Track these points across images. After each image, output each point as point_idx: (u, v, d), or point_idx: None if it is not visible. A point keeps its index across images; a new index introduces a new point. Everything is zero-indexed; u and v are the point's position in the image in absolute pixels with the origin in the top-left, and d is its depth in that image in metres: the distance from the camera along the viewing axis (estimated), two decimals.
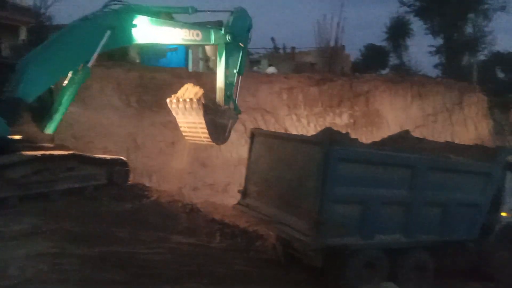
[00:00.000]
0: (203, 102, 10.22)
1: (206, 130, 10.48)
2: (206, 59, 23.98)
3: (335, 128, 9.86)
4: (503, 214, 9.50)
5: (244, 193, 9.25)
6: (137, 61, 20.38)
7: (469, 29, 31.27)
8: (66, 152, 10.92)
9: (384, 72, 29.63)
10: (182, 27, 10.76)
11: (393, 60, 33.44)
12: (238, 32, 10.94)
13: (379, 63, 31.77)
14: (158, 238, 9.11)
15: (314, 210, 7.18)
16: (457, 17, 29.74)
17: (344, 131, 9.17)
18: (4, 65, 10.60)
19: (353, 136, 8.52)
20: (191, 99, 10.36)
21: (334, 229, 7.26)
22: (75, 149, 11.87)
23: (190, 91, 10.68)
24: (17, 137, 10.12)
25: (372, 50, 33.39)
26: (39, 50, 10.23)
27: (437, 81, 24.33)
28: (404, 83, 22.24)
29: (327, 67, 23.93)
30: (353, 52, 33.33)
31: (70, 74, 10.42)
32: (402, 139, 10.90)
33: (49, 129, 10.52)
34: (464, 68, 30.37)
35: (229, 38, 10.76)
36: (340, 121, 20.16)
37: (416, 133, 13.53)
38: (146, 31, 10.55)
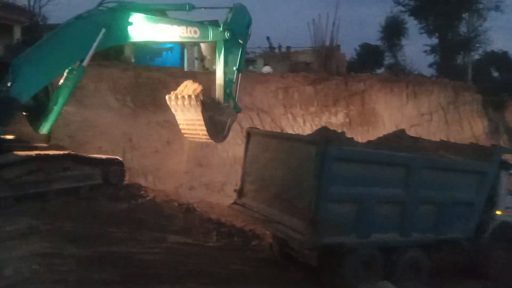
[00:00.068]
0: (201, 98, 10.09)
1: (204, 127, 10.32)
2: (202, 58, 23.96)
3: (331, 127, 9.91)
4: (498, 212, 9.56)
5: (240, 192, 9.25)
6: (132, 60, 20.32)
7: (463, 29, 31.46)
8: (61, 152, 10.89)
9: (379, 71, 29.70)
10: (179, 24, 10.59)
11: (388, 60, 33.55)
12: (237, 29, 10.78)
13: (374, 62, 31.83)
14: (154, 238, 9.10)
15: (310, 209, 7.20)
16: (452, 16, 29.88)
17: (339, 130, 9.22)
18: None
19: (348, 135, 8.56)
20: (189, 96, 10.24)
21: (330, 228, 7.28)
22: (71, 149, 11.84)
23: (189, 87, 10.52)
24: (9, 137, 10.06)
25: (367, 49, 33.46)
26: (33, 50, 10.09)
27: (432, 81, 24.42)
28: (399, 83, 22.33)
29: (322, 67, 23.95)
30: (349, 51, 33.38)
31: (66, 74, 10.35)
32: (397, 138, 10.90)
33: (44, 129, 10.43)
34: (459, 67, 30.52)
35: (228, 35, 10.60)
36: (335, 120, 20.22)
37: (412, 132, 13.61)
38: (142, 29, 10.39)
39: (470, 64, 30.27)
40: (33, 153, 10.00)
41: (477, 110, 23.55)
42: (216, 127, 10.54)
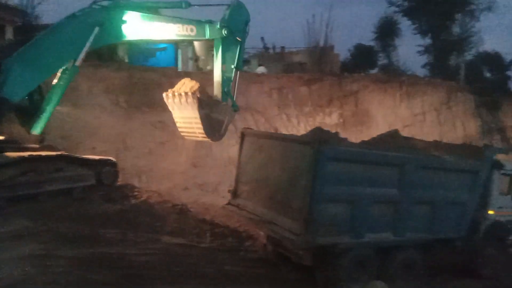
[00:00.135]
0: (198, 96, 9.93)
1: (201, 126, 10.16)
2: (196, 58, 23.92)
3: (325, 128, 9.91)
4: (490, 212, 9.63)
5: (235, 193, 9.25)
6: (126, 61, 20.25)
7: (456, 29, 31.60)
8: (54, 153, 10.83)
9: (373, 72, 29.76)
10: (175, 22, 10.45)
11: (382, 60, 33.61)
12: (235, 26, 10.58)
13: (368, 63, 31.86)
14: (148, 239, 9.07)
15: (304, 209, 7.21)
16: (445, 17, 30.02)
17: (333, 131, 9.22)
18: None
19: (342, 135, 8.58)
20: (186, 93, 10.06)
21: (324, 228, 7.30)
22: (64, 149, 11.78)
23: (186, 85, 10.38)
24: (0, 137, 9.98)
25: (361, 50, 33.48)
26: (26, 49, 9.98)
27: (425, 81, 24.53)
28: (392, 83, 22.42)
29: (316, 67, 23.99)
30: (342, 52, 33.37)
31: (59, 73, 10.27)
32: (391, 138, 10.96)
33: (37, 130, 10.39)
34: (452, 67, 30.65)
35: (226, 32, 10.40)
36: (329, 120, 20.27)
37: (405, 133, 13.65)
38: (137, 27, 10.28)
39: (463, 65, 30.41)
40: (26, 154, 9.94)
41: (470, 110, 23.70)
42: (213, 125, 10.36)
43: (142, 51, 21.21)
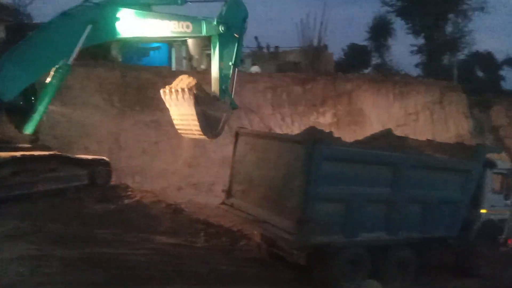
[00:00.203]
0: (194, 92, 9.72)
1: (197, 123, 9.90)
2: (190, 57, 23.84)
3: (319, 127, 9.94)
4: (483, 211, 9.70)
5: (229, 192, 9.24)
6: (119, 60, 20.13)
7: (449, 29, 31.80)
8: (47, 153, 10.76)
9: (366, 71, 29.89)
10: (170, 19, 10.23)
11: (375, 60, 33.76)
12: (232, 22, 10.39)
13: (361, 62, 32.01)
14: (141, 239, 9.04)
15: (298, 208, 7.23)
16: (438, 17, 30.19)
17: (327, 130, 9.25)
18: None
19: (336, 135, 8.61)
20: (182, 89, 9.87)
21: (318, 228, 7.31)
22: (57, 149, 11.70)
23: (184, 81, 10.21)
24: None
25: (354, 49, 33.62)
26: (17, 48, 9.81)
27: (419, 81, 24.66)
28: (386, 83, 22.50)
29: (310, 67, 24.02)
30: (336, 51, 33.46)
31: (52, 72, 10.15)
32: (384, 138, 11.03)
33: (29, 129, 10.28)
34: (445, 67, 30.82)
35: (223, 28, 10.20)
36: (323, 120, 20.29)
37: (398, 132, 13.71)
38: (131, 25, 10.09)
39: (456, 64, 30.60)
40: (18, 153, 9.86)
41: (463, 110, 23.84)
42: (210, 122, 10.16)
43: (136, 50, 21.11)
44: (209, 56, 20.69)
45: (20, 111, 10.27)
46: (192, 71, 20.61)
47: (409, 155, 8.67)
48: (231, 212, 9.04)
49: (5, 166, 9.58)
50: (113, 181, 12.73)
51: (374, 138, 11.20)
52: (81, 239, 8.32)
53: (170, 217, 10.83)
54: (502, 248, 10.37)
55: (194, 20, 10.39)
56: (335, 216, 7.52)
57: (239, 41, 10.68)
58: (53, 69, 10.15)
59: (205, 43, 20.02)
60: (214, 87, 10.52)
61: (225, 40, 10.43)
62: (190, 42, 21.74)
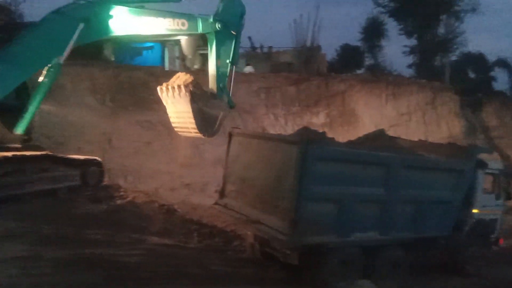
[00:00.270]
0: (190, 89, 9.58)
1: (193, 120, 9.74)
2: (183, 57, 23.77)
3: (312, 128, 9.97)
4: (475, 211, 9.77)
5: (222, 193, 9.22)
6: (112, 59, 20.04)
7: (441, 30, 32.01)
8: (38, 153, 10.67)
9: (359, 72, 30.00)
10: (165, 16, 9.97)
11: (368, 60, 33.91)
12: (229, 19, 10.24)
13: (354, 63, 32.15)
14: (134, 239, 9.00)
15: (291, 209, 7.22)
16: (430, 18, 30.39)
17: (320, 131, 9.28)
18: None
19: (329, 135, 8.62)
20: (179, 86, 9.74)
21: (311, 228, 7.32)
22: (48, 149, 11.61)
23: (181, 78, 10.08)
24: None
25: (347, 50, 33.75)
26: (8, 46, 9.73)
27: (411, 81, 24.82)
28: (379, 83, 22.62)
29: (303, 67, 24.07)
30: (329, 52, 33.59)
31: (44, 71, 10.03)
32: (377, 138, 11.06)
33: (20, 129, 10.15)
34: (437, 68, 31.04)
35: (219, 26, 10.08)
36: (317, 120, 20.35)
37: (391, 132, 13.77)
38: (124, 22, 9.89)
39: (448, 65, 30.82)
40: (10, 154, 9.77)
41: (454, 110, 24.02)
42: (206, 120, 10.00)
43: (129, 50, 21.03)
44: (202, 56, 20.73)
45: (11, 110, 10.15)
46: (185, 71, 20.56)
47: (401, 155, 8.71)
48: (224, 213, 9.02)
49: None
50: (106, 181, 12.67)
51: (367, 138, 11.23)
52: (73, 240, 8.27)
53: (163, 218, 10.80)
54: (493, 247, 10.47)
55: (190, 17, 10.24)
56: (328, 216, 7.54)
57: (237, 38, 10.53)
58: (45, 68, 10.05)
59: (199, 43, 20.00)
60: (211, 85, 10.39)
61: (222, 38, 10.31)
62: (183, 41, 21.68)
